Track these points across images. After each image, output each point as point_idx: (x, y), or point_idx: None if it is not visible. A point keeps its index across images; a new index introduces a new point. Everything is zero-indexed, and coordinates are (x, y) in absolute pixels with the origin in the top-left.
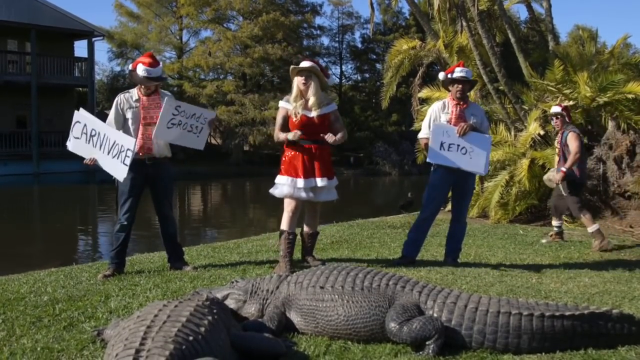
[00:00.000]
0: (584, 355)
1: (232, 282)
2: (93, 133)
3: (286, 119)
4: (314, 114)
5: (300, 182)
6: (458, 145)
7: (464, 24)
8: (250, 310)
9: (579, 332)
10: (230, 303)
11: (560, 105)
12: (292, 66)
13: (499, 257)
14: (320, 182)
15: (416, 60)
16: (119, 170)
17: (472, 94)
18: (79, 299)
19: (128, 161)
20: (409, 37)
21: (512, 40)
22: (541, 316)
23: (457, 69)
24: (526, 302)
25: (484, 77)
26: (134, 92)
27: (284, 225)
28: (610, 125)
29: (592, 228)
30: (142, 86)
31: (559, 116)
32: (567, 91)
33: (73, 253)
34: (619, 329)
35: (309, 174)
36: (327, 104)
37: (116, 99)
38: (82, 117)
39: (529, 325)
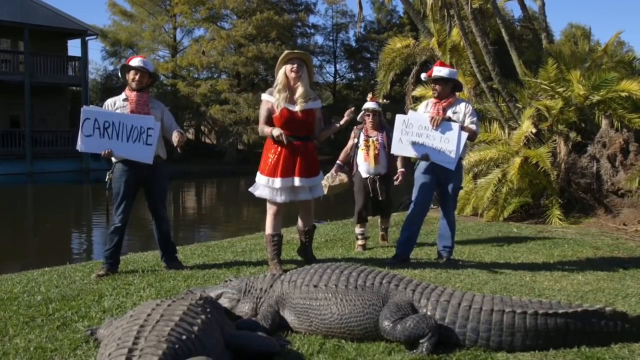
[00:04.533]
0: (577, 353)
1: (226, 281)
2: (106, 125)
3: (271, 112)
4: (298, 107)
5: (277, 182)
6: (424, 135)
7: (457, 22)
8: (244, 309)
9: (572, 330)
10: (224, 302)
11: (375, 101)
12: (285, 52)
13: (493, 255)
14: (298, 181)
15: (410, 59)
16: (144, 153)
17: (466, 92)
18: (73, 299)
19: (152, 140)
20: (403, 36)
21: (506, 38)
22: (535, 314)
23: (435, 69)
24: (520, 300)
25: (478, 75)
26: (122, 94)
27: (268, 228)
28: (604, 123)
29: None
30: (134, 80)
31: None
32: (561, 89)
33: (67, 252)
34: (612, 327)
35: (288, 172)
36: (314, 99)
37: (105, 103)
38: (90, 113)
39: (523, 323)
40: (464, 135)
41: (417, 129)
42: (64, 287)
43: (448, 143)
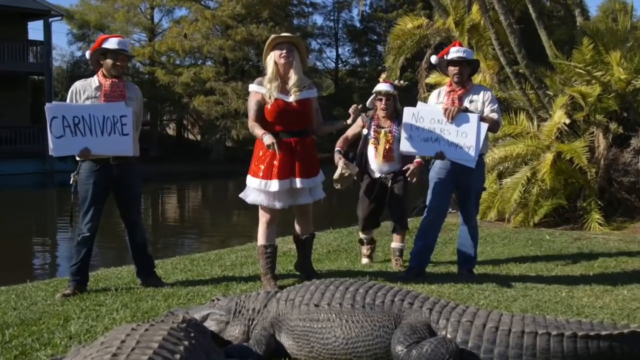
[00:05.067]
0: None
1: (213, 300)
2: (76, 121)
3: (261, 105)
4: (292, 98)
5: (275, 184)
6: (437, 130)
7: None
8: (234, 332)
9: (618, 355)
10: (211, 325)
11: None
12: (271, 36)
13: (522, 267)
14: (299, 182)
15: (423, 41)
16: (123, 145)
17: (488, 79)
18: (34, 323)
19: (128, 129)
20: (415, 15)
21: (534, 15)
22: (573, 336)
23: (453, 49)
24: (555, 319)
25: (502, 59)
26: (94, 79)
27: (261, 239)
28: None
29: None
30: (115, 65)
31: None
32: (598, 73)
33: (27, 268)
34: None
35: (285, 174)
36: (309, 87)
37: (71, 89)
38: (56, 109)
39: (559, 347)
40: (484, 127)
41: (429, 123)
42: (24, 309)
43: (466, 137)
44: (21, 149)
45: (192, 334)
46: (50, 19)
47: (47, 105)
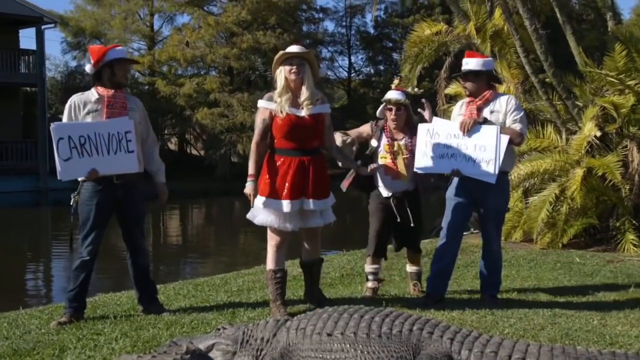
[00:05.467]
0: None
1: (219, 329)
2: (82, 140)
3: (267, 123)
4: (305, 112)
5: (286, 204)
6: (454, 145)
7: (500, 0)
8: None
9: None
10: (217, 355)
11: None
12: (279, 53)
13: (550, 292)
14: (312, 204)
15: (442, 49)
16: (129, 162)
17: (512, 88)
18: (27, 353)
19: (132, 145)
20: (433, 20)
21: (561, 19)
22: None
23: (463, 62)
24: (586, 350)
25: (527, 67)
26: (92, 92)
27: (270, 263)
28: None
29: None
30: (123, 75)
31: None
32: (632, 82)
33: (19, 294)
34: None
35: (297, 194)
36: (321, 102)
37: (69, 104)
38: (62, 130)
39: None
40: (505, 138)
41: (444, 139)
42: (16, 338)
43: (485, 151)
44: (13, 165)
45: None
46: (43, 27)
47: (53, 125)
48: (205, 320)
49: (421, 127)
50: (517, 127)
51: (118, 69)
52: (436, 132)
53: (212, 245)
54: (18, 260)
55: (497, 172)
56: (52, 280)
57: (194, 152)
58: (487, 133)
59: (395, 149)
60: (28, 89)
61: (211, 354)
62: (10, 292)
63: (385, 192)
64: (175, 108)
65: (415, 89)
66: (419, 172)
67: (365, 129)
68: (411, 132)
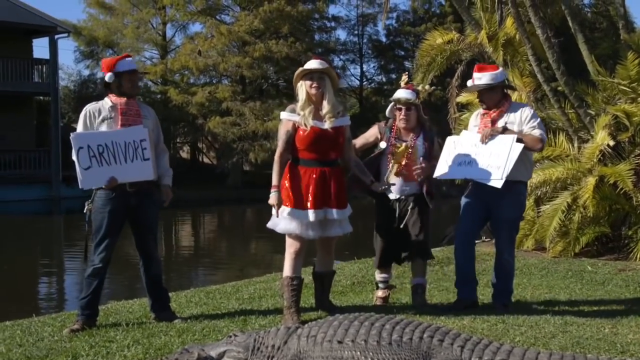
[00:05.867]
0: None
1: (230, 337)
2: (101, 150)
3: (291, 135)
4: (327, 124)
5: (312, 214)
6: (472, 153)
7: (512, 9)
8: None
9: None
10: None
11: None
12: (299, 69)
13: (562, 300)
14: (335, 214)
15: (453, 57)
16: (145, 170)
17: (524, 97)
18: None
19: (148, 153)
20: (445, 28)
21: (573, 28)
22: None
23: (474, 76)
24: (597, 358)
25: (539, 75)
26: (106, 100)
27: (287, 270)
28: None
29: None
30: (126, 85)
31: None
32: None
33: (32, 302)
34: None
35: (321, 203)
36: (342, 114)
37: (84, 113)
38: (82, 139)
39: None
40: (518, 147)
41: (466, 148)
42: (29, 345)
43: (498, 158)
44: (26, 173)
45: None
46: (57, 36)
47: (73, 135)
48: (217, 328)
49: (448, 140)
50: (536, 133)
51: (125, 79)
52: (460, 143)
53: (223, 253)
54: (31, 268)
55: (504, 178)
56: (64, 288)
57: (206, 160)
58: (504, 141)
59: (400, 149)
60: (41, 98)
61: None
62: (23, 300)
63: (392, 195)
64: (188, 117)
65: (427, 87)
66: (438, 177)
67: (373, 132)
68: (423, 132)
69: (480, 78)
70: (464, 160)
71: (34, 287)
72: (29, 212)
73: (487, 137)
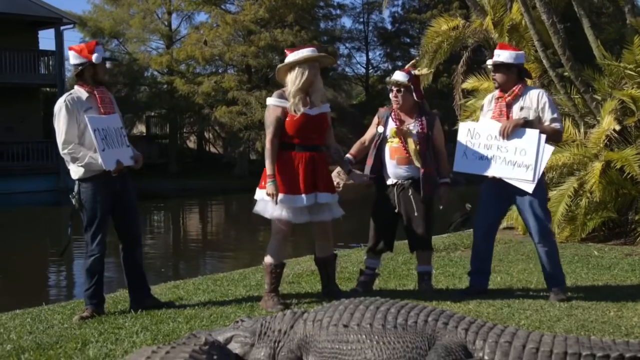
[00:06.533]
0: None
1: (237, 322)
2: (104, 133)
3: (282, 121)
4: (315, 110)
5: (302, 199)
6: (494, 147)
7: None
8: (259, 355)
9: None
10: (235, 347)
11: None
12: (279, 65)
13: (568, 284)
14: (324, 197)
15: (459, 43)
16: (128, 156)
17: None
18: (50, 347)
19: (127, 140)
20: (450, 15)
21: (579, 13)
22: (620, 357)
23: (495, 53)
24: (601, 341)
25: (544, 61)
26: (79, 90)
27: (272, 257)
28: None
29: None
30: (101, 73)
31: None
32: None
33: (42, 291)
34: None
35: (310, 188)
36: (325, 101)
37: (65, 104)
38: (97, 122)
39: None
40: (549, 149)
41: (485, 140)
42: (40, 333)
43: (525, 155)
44: (34, 165)
45: (215, 357)
46: (62, 28)
47: (88, 117)
48: (224, 314)
49: (462, 126)
50: (557, 126)
51: (100, 68)
52: (477, 132)
53: (230, 241)
54: (40, 258)
55: (536, 180)
56: (73, 277)
57: (213, 150)
58: (529, 137)
59: (399, 132)
60: (48, 89)
61: (229, 346)
62: (33, 289)
63: (390, 180)
64: (194, 106)
65: (423, 70)
66: (458, 171)
67: (371, 131)
68: (419, 114)
69: (499, 55)
70: (485, 155)
71: (43, 277)
72: (37, 203)
73: (508, 133)
